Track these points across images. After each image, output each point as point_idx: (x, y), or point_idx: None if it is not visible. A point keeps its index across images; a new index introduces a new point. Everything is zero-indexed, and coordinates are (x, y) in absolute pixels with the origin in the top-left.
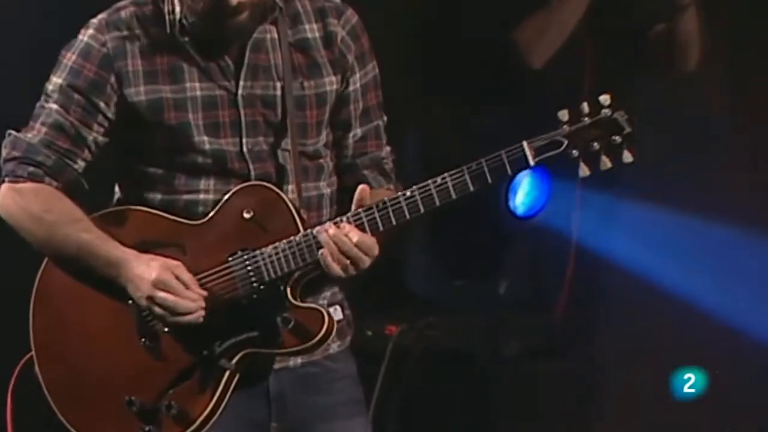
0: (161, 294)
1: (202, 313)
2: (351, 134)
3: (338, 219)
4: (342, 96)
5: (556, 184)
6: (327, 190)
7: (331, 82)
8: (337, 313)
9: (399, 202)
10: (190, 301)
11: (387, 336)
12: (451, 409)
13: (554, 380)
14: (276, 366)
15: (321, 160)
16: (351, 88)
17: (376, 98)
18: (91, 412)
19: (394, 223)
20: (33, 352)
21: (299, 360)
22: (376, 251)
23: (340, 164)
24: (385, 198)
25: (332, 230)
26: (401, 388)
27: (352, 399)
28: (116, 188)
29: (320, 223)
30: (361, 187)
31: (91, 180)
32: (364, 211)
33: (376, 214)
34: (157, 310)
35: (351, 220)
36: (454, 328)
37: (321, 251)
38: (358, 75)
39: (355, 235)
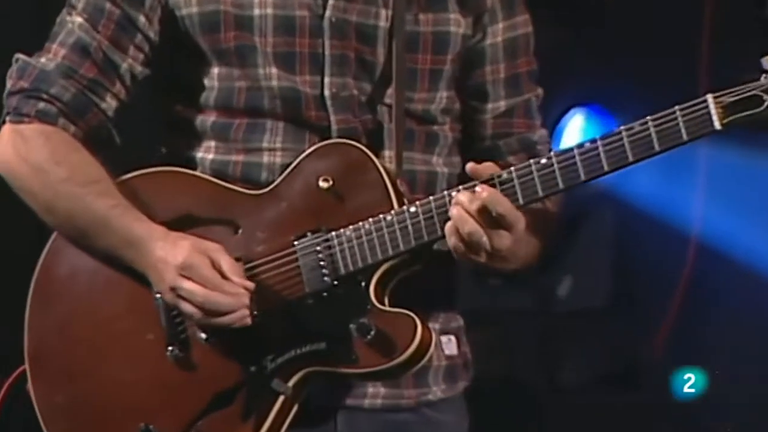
0: (188, 285)
1: (246, 313)
2: (490, 106)
3: (461, 187)
4: (475, 49)
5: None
6: (442, 170)
7: (457, 22)
8: (450, 345)
9: (548, 166)
10: (228, 295)
11: None
12: None
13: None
14: (348, 401)
15: (435, 128)
16: (489, 41)
17: (528, 64)
18: None
19: (539, 193)
20: (26, 365)
21: (379, 400)
22: (521, 225)
23: (476, 148)
24: (530, 161)
25: (461, 194)
26: None
27: None
28: (162, 146)
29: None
30: (469, 165)
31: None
32: (498, 176)
33: (515, 180)
34: (184, 306)
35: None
36: (491, 346)
37: (448, 224)
38: (501, 26)
39: (489, 192)
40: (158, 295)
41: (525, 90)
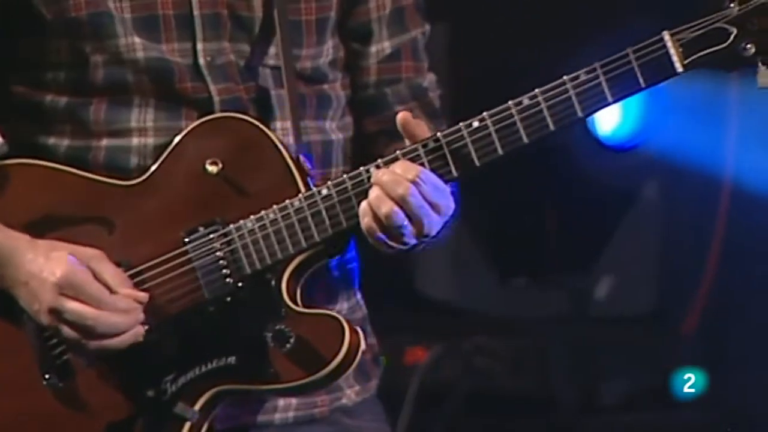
0: (71, 305)
1: (141, 331)
2: (373, 48)
3: (381, 161)
4: None
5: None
6: (337, 136)
7: None
8: None
9: (482, 129)
10: (120, 312)
11: (409, 367)
12: None
13: None
14: (258, 419)
15: (326, 87)
16: None
17: None
18: None
19: (476, 162)
20: None
21: (290, 413)
22: (451, 204)
23: (358, 98)
24: (460, 125)
25: (382, 173)
26: None
27: None
28: None
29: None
30: (402, 114)
31: None
32: (423, 145)
33: (445, 149)
34: (67, 330)
35: (406, 157)
36: (519, 356)
37: (362, 204)
38: None
39: (416, 170)
40: (24, 316)
41: (411, 26)
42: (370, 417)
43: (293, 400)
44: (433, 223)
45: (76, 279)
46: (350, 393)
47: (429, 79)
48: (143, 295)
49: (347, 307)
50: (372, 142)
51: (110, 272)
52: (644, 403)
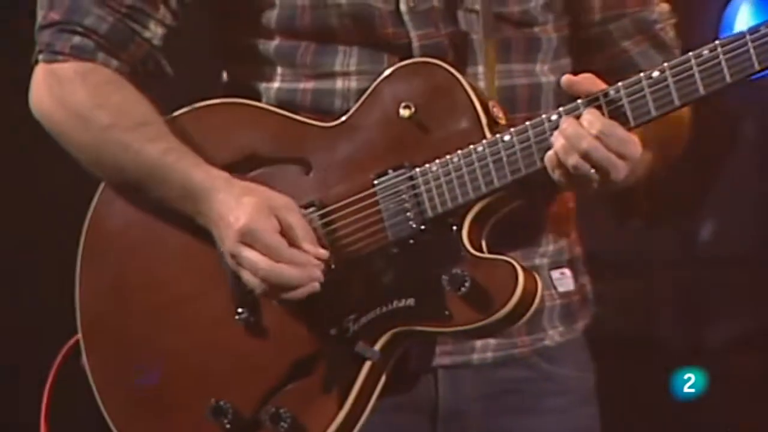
0: (248, 253)
1: (316, 286)
2: None
3: (561, 109)
4: None
5: None
6: (548, 78)
7: None
8: (564, 280)
9: (661, 81)
10: (296, 266)
11: None
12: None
13: None
14: (447, 360)
15: (537, 30)
16: None
17: None
18: (158, 423)
19: (653, 113)
20: (80, 335)
21: (489, 354)
22: (637, 150)
23: (584, 37)
24: (641, 75)
25: (567, 124)
26: None
27: (575, 428)
28: (224, 74)
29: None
30: (565, 77)
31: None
32: (604, 94)
33: (624, 99)
34: (245, 275)
35: (587, 106)
36: (623, 300)
37: (548, 154)
38: None
39: (601, 124)
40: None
41: None
42: (572, 363)
43: (491, 340)
44: (620, 172)
45: (258, 228)
46: (553, 334)
47: (659, 10)
48: (323, 252)
49: (553, 249)
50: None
51: (296, 224)
52: (753, 346)
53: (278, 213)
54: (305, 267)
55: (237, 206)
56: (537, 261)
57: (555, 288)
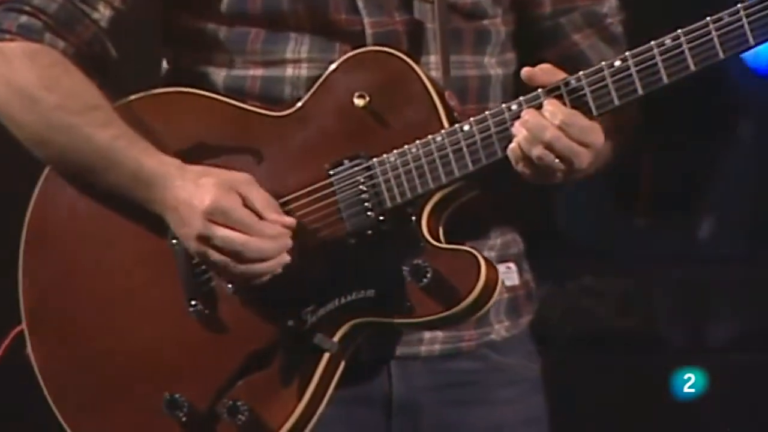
0: (222, 232)
1: (287, 258)
2: None
3: (522, 99)
4: None
5: None
6: (496, 71)
7: None
8: (510, 274)
9: (623, 69)
10: (268, 238)
11: None
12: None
13: None
14: (399, 352)
15: (486, 22)
16: None
17: None
18: (109, 416)
19: (616, 102)
20: (23, 325)
21: (436, 346)
22: (600, 138)
23: (535, 30)
24: (602, 64)
25: (529, 115)
26: None
27: (526, 417)
28: (164, 60)
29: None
30: (525, 69)
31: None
32: (565, 83)
33: (586, 89)
34: (215, 256)
35: (548, 96)
36: (627, 298)
37: (511, 146)
38: None
39: (563, 114)
40: (174, 241)
41: None
42: (519, 355)
43: (439, 333)
44: (583, 161)
45: (225, 205)
46: (499, 328)
47: (609, 4)
48: (291, 221)
49: (500, 243)
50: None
51: (259, 197)
52: (754, 342)
53: (239, 188)
54: (277, 237)
55: (197, 188)
56: (485, 253)
57: (502, 282)
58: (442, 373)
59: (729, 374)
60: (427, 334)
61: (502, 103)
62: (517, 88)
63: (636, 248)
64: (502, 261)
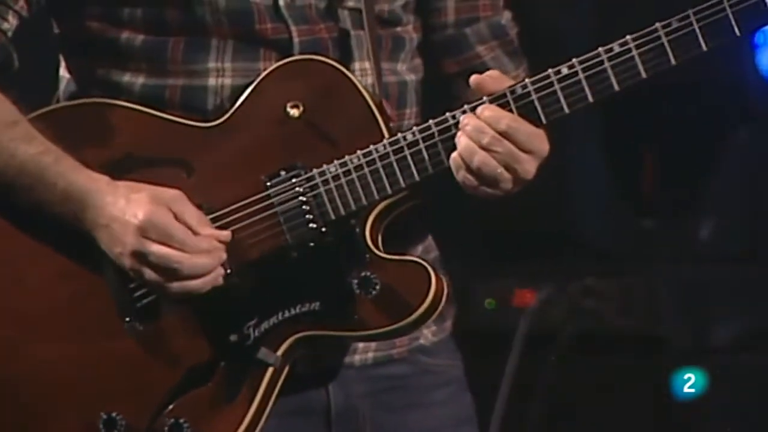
0: (155, 248)
1: (222, 273)
2: None
3: (467, 106)
4: None
5: None
6: (410, 77)
7: None
8: None
9: (572, 76)
10: (203, 253)
11: (517, 309)
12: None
13: None
14: (335, 362)
15: (400, 30)
16: None
17: None
18: None
19: (565, 109)
20: None
21: (369, 354)
22: (544, 146)
23: (436, 39)
24: (549, 71)
25: (468, 119)
26: (543, 395)
27: (459, 417)
28: (62, 70)
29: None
30: (474, 77)
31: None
32: (510, 91)
33: (533, 95)
34: (150, 273)
35: (492, 103)
36: (629, 298)
37: (452, 155)
38: None
39: (508, 119)
40: (105, 258)
41: None
42: (446, 356)
43: (372, 343)
44: (528, 169)
45: (159, 221)
46: (427, 333)
47: (506, 16)
48: (226, 234)
49: (421, 249)
50: (453, 84)
51: (191, 213)
52: (758, 343)
53: (171, 205)
54: (212, 252)
55: (128, 204)
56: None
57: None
58: (376, 380)
59: (730, 374)
60: (360, 344)
61: (416, 107)
62: (435, 94)
63: (638, 249)
64: None
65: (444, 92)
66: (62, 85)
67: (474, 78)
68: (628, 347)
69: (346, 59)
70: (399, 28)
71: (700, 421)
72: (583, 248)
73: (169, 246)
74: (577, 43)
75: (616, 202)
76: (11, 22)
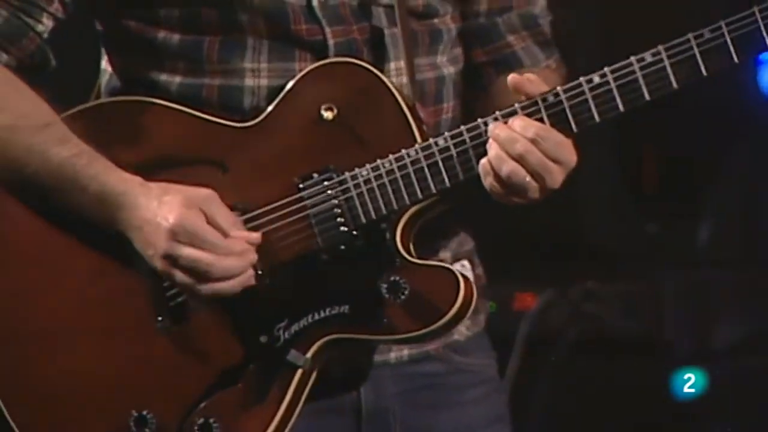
0: (186, 251)
1: (253, 274)
2: None
3: (499, 113)
4: None
5: None
6: (448, 70)
7: None
8: (465, 272)
9: (603, 85)
10: (234, 256)
11: (517, 313)
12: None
13: None
14: (376, 358)
15: (437, 21)
16: None
17: None
18: None
19: (596, 119)
20: None
21: (405, 351)
22: (573, 156)
23: (468, 28)
24: (581, 80)
25: (499, 129)
26: (543, 396)
27: (491, 416)
28: (103, 63)
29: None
30: (512, 76)
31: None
32: (542, 99)
33: (565, 104)
34: (180, 276)
35: (524, 111)
36: (630, 302)
37: (482, 162)
38: None
39: (536, 128)
40: (139, 258)
41: None
42: (481, 354)
43: None
44: (556, 178)
45: (190, 224)
46: (461, 328)
47: (540, 5)
48: (256, 236)
49: (456, 242)
50: (480, 73)
51: (223, 215)
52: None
53: (202, 206)
54: (243, 254)
55: (161, 207)
56: (442, 254)
57: (477, 297)
58: (409, 378)
59: (731, 376)
60: None
61: (454, 101)
62: (465, 85)
63: (640, 252)
64: (457, 259)
65: (471, 81)
66: (104, 79)
67: (512, 78)
68: (629, 351)
69: (381, 59)
70: (436, 20)
71: (700, 421)
72: (585, 252)
73: (200, 249)
74: (582, 43)
75: (618, 206)
76: (46, 24)
